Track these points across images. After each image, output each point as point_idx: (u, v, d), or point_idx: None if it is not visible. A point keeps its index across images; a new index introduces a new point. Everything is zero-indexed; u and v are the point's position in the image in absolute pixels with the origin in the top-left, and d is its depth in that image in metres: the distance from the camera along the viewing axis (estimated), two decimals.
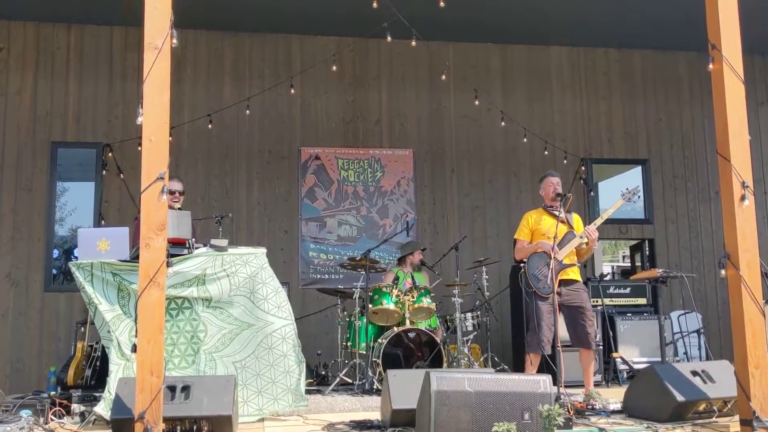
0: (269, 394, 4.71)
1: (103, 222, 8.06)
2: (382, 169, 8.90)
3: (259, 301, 4.75)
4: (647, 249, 9.37)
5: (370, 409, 5.14)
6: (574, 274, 5.60)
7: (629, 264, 11.87)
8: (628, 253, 13.91)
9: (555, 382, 4.95)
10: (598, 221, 5.56)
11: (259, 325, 4.74)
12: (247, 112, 8.31)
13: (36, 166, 8.20)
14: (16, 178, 8.14)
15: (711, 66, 4.36)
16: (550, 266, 5.26)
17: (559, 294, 5.26)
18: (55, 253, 8.21)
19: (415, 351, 6.46)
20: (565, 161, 9.05)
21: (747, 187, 4.16)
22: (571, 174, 9.13)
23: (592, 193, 9.21)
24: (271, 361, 4.73)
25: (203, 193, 8.45)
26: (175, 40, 3.88)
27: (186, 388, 4.09)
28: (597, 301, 7.42)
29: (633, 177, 9.51)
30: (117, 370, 4.55)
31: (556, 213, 5.59)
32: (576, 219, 5.79)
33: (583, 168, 9.19)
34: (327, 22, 8.58)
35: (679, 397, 4.38)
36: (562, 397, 4.81)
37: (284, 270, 8.36)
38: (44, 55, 8.40)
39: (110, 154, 8.22)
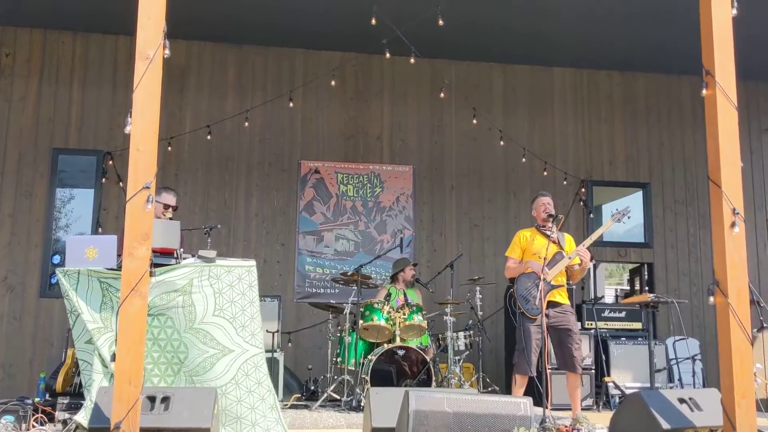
0: (248, 420, 4.64)
1: (100, 230, 8.08)
2: (381, 185, 8.90)
3: (238, 327, 4.69)
4: (646, 273, 9.31)
5: (353, 427, 5.12)
6: (561, 296, 5.56)
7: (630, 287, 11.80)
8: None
9: (542, 404, 4.91)
10: (587, 242, 5.54)
11: (238, 351, 4.67)
12: (246, 124, 8.34)
13: (36, 172, 8.24)
14: (16, 183, 8.17)
15: (704, 92, 4.34)
16: (539, 287, 5.24)
17: (547, 316, 5.23)
18: (56, 259, 8.21)
19: (405, 369, 6.42)
20: (564, 182, 9.03)
21: (737, 214, 4.13)
22: (571, 195, 9.11)
23: (591, 216, 9.17)
24: (249, 388, 4.66)
25: (201, 204, 8.47)
26: (167, 51, 3.88)
27: (166, 399, 4.05)
28: (591, 324, 7.37)
29: (634, 201, 9.47)
30: (100, 380, 4.52)
31: (548, 233, 5.57)
32: (568, 239, 5.76)
33: (583, 190, 9.16)
34: (330, 38, 8.62)
35: (665, 425, 4.31)
36: (547, 420, 4.76)
37: (280, 283, 8.37)
38: (49, 62, 8.47)
39: (110, 162, 8.26)
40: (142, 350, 3.70)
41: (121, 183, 8.17)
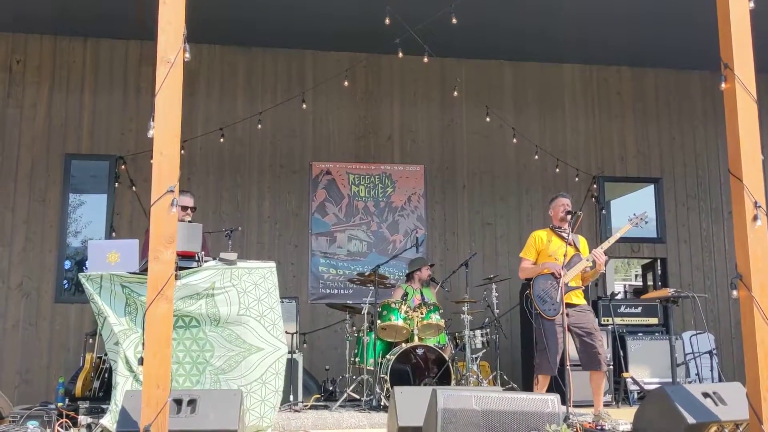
0: (268, 419, 4.66)
1: (114, 234, 8.10)
2: (392, 185, 8.90)
3: (268, 325, 4.69)
4: (659, 268, 9.30)
5: (376, 426, 5.11)
6: (577, 297, 5.55)
7: (641, 283, 11.79)
8: (640, 272, 13.82)
9: (564, 401, 4.90)
10: (605, 245, 5.52)
11: (268, 349, 4.67)
12: (259, 126, 8.35)
13: (49, 178, 8.26)
14: (29, 189, 8.20)
15: (723, 85, 4.33)
16: (559, 287, 5.22)
17: (567, 315, 5.22)
18: (68, 264, 8.25)
19: (424, 368, 6.42)
20: (576, 179, 9.02)
21: (759, 207, 4.12)
22: (583, 192, 9.10)
23: (604, 212, 9.16)
24: (276, 387, 4.67)
25: (214, 207, 8.48)
26: (187, 55, 3.90)
27: (192, 402, 4.06)
28: (608, 320, 7.35)
29: (646, 196, 9.45)
30: (124, 383, 4.54)
31: (564, 235, 5.56)
32: (582, 242, 5.75)
33: (595, 186, 9.16)
34: (340, 38, 8.62)
35: (690, 420, 4.31)
36: (570, 417, 4.76)
37: (294, 284, 8.38)
38: (60, 68, 8.49)
39: (123, 167, 8.27)
40: (169, 353, 3.70)
41: (134, 187, 8.19)
